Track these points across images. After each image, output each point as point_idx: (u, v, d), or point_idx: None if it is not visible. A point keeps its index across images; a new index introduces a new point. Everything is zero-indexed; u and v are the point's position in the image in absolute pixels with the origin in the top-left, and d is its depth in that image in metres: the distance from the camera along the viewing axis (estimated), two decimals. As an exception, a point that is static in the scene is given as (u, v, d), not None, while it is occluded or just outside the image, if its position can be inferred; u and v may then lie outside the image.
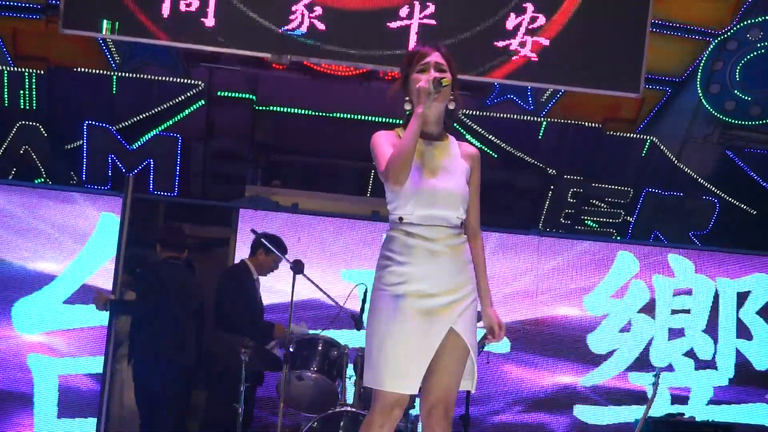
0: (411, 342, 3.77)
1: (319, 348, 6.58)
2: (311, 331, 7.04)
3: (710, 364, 8.59)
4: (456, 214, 3.89)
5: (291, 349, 6.39)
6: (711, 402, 8.57)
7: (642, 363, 8.50)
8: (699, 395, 8.56)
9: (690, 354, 8.58)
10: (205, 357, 7.33)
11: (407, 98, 3.93)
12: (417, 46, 4.10)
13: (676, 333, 8.58)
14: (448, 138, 4.02)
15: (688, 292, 8.63)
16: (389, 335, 3.79)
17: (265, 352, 6.79)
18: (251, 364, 6.45)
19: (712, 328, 8.61)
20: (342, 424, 6.25)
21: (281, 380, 6.31)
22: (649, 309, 8.55)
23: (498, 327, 3.99)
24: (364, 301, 6.51)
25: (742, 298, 8.68)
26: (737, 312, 8.66)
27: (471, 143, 4.21)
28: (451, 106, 3.97)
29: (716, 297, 8.64)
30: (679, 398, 8.53)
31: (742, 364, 8.63)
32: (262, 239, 7.18)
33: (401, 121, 3.95)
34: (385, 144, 3.90)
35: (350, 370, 6.64)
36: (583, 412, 8.46)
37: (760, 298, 8.71)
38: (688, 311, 8.62)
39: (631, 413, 8.44)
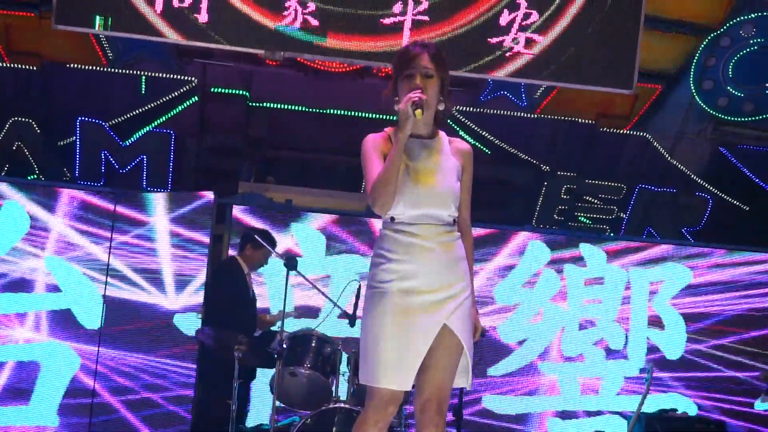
0: (404, 339, 3.78)
1: (313, 344, 6.58)
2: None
3: (621, 354, 8.57)
4: (447, 212, 3.90)
5: (284, 346, 6.39)
6: (621, 392, 8.55)
7: (552, 353, 8.48)
8: (609, 385, 8.53)
9: (601, 344, 8.55)
10: (200, 353, 7.35)
11: (396, 98, 3.94)
12: (408, 45, 4.08)
13: (587, 323, 8.56)
14: (438, 135, 4.02)
15: (600, 282, 8.61)
16: (383, 332, 3.80)
17: (259, 348, 6.79)
18: (244, 360, 6.45)
19: (623, 318, 8.61)
20: (336, 420, 6.25)
21: (274, 377, 6.31)
22: (560, 298, 8.53)
23: (473, 329, 4.00)
24: (357, 298, 6.51)
25: (654, 287, 8.67)
26: (649, 301, 8.66)
27: (464, 139, 4.21)
28: (441, 107, 3.97)
29: (628, 286, 8.62)
30: (590, 388, 8.52)
31: (654, 353, 8.62)
32: (253, 234, 7.18)
33: (396, 117, 3.95)
34: (373, 157, 3.89)
35: (344, 367, 6.65)
36: (493, 402, 8.43)
37: (672, 288, 8.69)
38: (599, 301, 8.60)
39: (541, 403, 8.45)
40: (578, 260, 8.56)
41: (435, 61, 3.91)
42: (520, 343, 8.43)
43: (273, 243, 7.26)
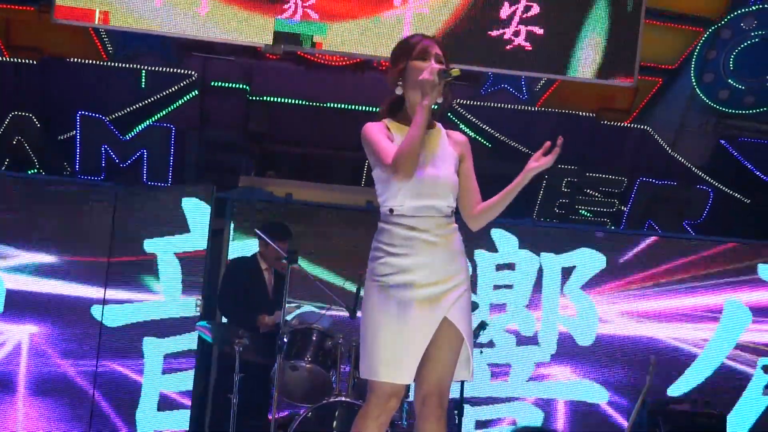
0: (405, 332, 3.78)
1: (314, 338, 6.58)
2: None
3: (532, 340, 8.55)
4: (446, 203, 3.91)
5: (285, 339, 6.38)
6: (531, 379, 8.55)
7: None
8: (519, 371, 8.52)
9: (511, 330, 8.53)
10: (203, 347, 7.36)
11: (399, 83, 3.94)
12: (412, 36, 4.09)
13: (497, 308, 8.52)
14: (437, 126, 4.05)
15: (511, 267, 8.57)
16: (383, 326, 3.79)
17: (260, 344, 6.78)
18: (246, 354, 6.45)
19: (534, 304, 8.58)
20: (337, 414, 6.25)
21: (275, 370, 6.31)
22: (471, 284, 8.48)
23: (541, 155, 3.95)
24: (358, 291, 6.51)
25: (566, 273, 8.65)
26: (561, 287, 8.63)
27: (463, 132, 4.23)
28: (439, 100, 3.97)
29: (540, 272, 8.60)
30: (500, 374, 8.49)
31: (565, 339, 8.60)
32: (259, 231, 7.17)
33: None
34: (380, 137, 3.90)
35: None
36: None
37: (584, 273, 8.67)
38: (510, 286, 8.56)
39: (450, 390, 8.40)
40: (489, 245, 8.53)
41: (443, 52, 3.96)
42: None
43: (283, 236, 7.21)
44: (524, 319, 8.54)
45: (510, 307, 8.54)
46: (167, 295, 8.05)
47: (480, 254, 8.51)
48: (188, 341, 7.97)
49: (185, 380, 7.97)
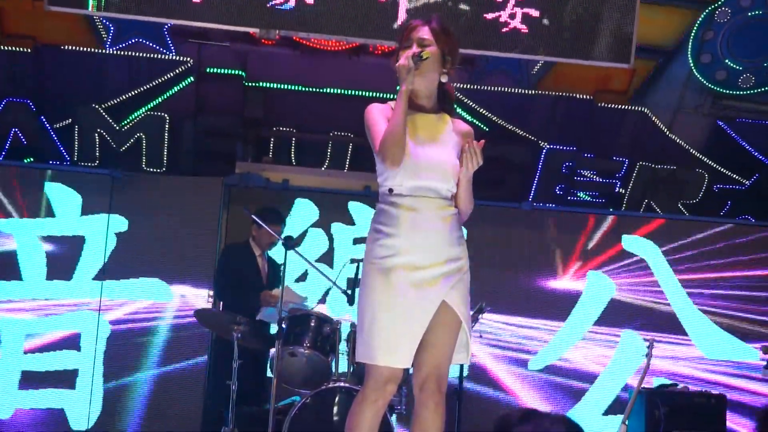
0: (403, 315, 3.76)
1: (312, 324, 6.58)
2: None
3: None
4: (446, 186, 3.89)
5: (284, 326, 6.38)
6: None
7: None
8: None
9: None
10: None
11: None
12: (410, 20, 4.08)
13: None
14: (441, 112, 4.03)
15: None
16: (381, 309, 3.78)
17: (258, 329, 6.78)
18: (244, 341, 6.45)
19: None
20: (336, 399, 6.26)
21: (274, 357, 6.30)
22: (327, 258, 8.41)
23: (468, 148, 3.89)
24: (356, 275, 6.50)
25: None
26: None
27: (464, 119, 4.22)
28: (444, 79, 3.96)
29: None
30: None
31: None
32: (252, 215, 7.17)
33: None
34: (379, 120, 3.89)
35: (343, 346, 6.65)
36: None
37: None
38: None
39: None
40: (346, 218, 8.48)
41: (434, 33, 3.93)
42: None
43: (276, 221, 7.24)
44: None
45: None
46: (29, 278, 8.14)
47: (337, 227, 8.48)
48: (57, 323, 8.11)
49: (51, 360, 8.08)
